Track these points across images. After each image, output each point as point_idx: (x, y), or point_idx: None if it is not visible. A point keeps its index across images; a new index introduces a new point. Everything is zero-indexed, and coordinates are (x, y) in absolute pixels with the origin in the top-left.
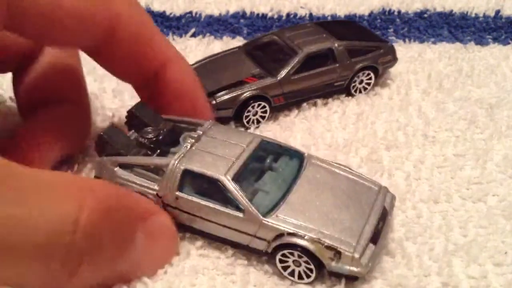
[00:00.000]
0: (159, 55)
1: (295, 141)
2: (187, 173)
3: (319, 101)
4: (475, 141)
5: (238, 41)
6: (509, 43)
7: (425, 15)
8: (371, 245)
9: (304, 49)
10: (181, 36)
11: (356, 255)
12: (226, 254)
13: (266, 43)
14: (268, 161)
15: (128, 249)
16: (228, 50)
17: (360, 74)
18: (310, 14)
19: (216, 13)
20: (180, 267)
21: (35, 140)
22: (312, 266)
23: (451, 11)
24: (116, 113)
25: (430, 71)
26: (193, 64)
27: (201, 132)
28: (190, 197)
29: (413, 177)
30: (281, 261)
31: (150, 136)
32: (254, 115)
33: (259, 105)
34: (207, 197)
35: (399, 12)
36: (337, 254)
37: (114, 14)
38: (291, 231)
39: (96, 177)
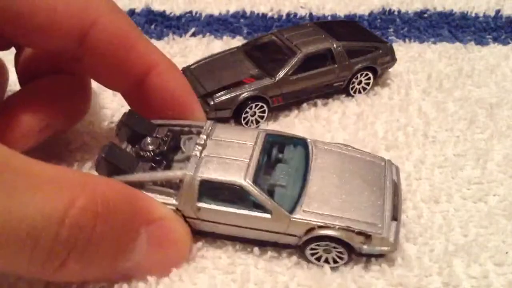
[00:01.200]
0: (142, 60)
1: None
2: (205, 183)
3: (319, 102)
4: (476, 141)
5: (238, 41)
6: (509, 43)
7: (425, 15)
8: (393, 222)
9: (303, 50)
10: (181, 36)
11: (385, 235)
12: (227, 254)
13: (265, 43)
14: (274, 153)
15: (128, 250)
16: (227, 50)
17: (359, 74)
18: (310, 14)
19: (216, 12)
20: (182, 267)
21: (20, 106)
22: (343, 250)
23: (451, 11)
24: (116, 113)
25: (430, 71)
26: (192, 64)
27: (205, 137)
28: (212, 207)
29: (414, 177)
30: (311, 253)
31: (151, 147)
32: (252, 115)
33: (256, 105)
34: (229, 204)
35: (399, 12)
36: (367, 237)
37: (89, 19)
38: (321, 224)
39: None
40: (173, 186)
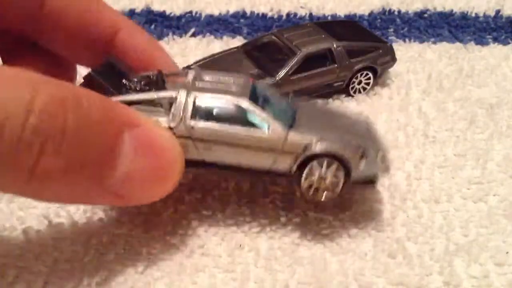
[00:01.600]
0: (107, 23)
1: None
2: (199, 101)
3: (319, 102)
4: (476, 141)
5: (238, 41)
6: (509, 43)
7: (425, 15)
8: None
9: (303, 50)
10: (181, 36)
11: (381, 153)
12: (227, 252)
13: (265, 43)
14: (260, 99)
15: (112, 156)
16: (227, 50)
17: (359, 74)
18: (310, 14)
19: (216, 13)
20: (182, 266)
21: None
22: (340, 173)
23: (451, 11)
24: None
25: (430, 71)
26: (192, 64)
27: (194, 72)
28: (206, 124)
29: (414, 177)
30: (306, 181)
31: (138, 81)
32: None
33: None
34: (223, 122)
35: (399, 12)
36: (363, 155)
37: None
38: (318, 138)
39: None
40: (165, 107)
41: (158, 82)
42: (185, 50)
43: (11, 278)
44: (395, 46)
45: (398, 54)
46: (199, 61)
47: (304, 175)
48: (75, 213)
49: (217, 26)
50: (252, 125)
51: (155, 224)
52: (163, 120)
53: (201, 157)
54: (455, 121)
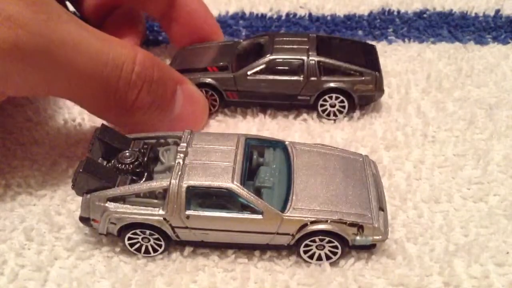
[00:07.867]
0: None
1: (294, 141)
2: (191, 189)
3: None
4: (475, 141)
5: None
6: (509, 43)
7: (425, 15)
8: (380, 212)
9: (272, 54)
10: None
11: (376, 225)
12: (227, 253)
13: (257, 42)
14: (255, 157)
15: (172, 101)
16: (229, 41)
17: (333, 97)
18: (310, 14)
19: (215, 13)
20: (182, 264)
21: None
22: (337, 244)
23: (451, 10)
24: None
25: (430, 70)
26: (196, 44)
27: (185, 145)
28: (201, 213)
29: (414, 177)
30: (304, 250)
31: (129, 160)
32: None
33: (211, 94)
34: (218, 209)
35: (398, 12)
36: (360, 228)
37: None
38: (314, 219)
39: (83, 217)
40: (158, 197)
41: (149, 157)
42: None
43: (11, 275)
44: (394, 46)
45: (397, 54)
46: (203, 43)
47: (302, 247)
48: (75, 211)
49: None
50: (246, 209)
51: None
52: (158, 211)
53: (199, 239)
54: (454, 121)
